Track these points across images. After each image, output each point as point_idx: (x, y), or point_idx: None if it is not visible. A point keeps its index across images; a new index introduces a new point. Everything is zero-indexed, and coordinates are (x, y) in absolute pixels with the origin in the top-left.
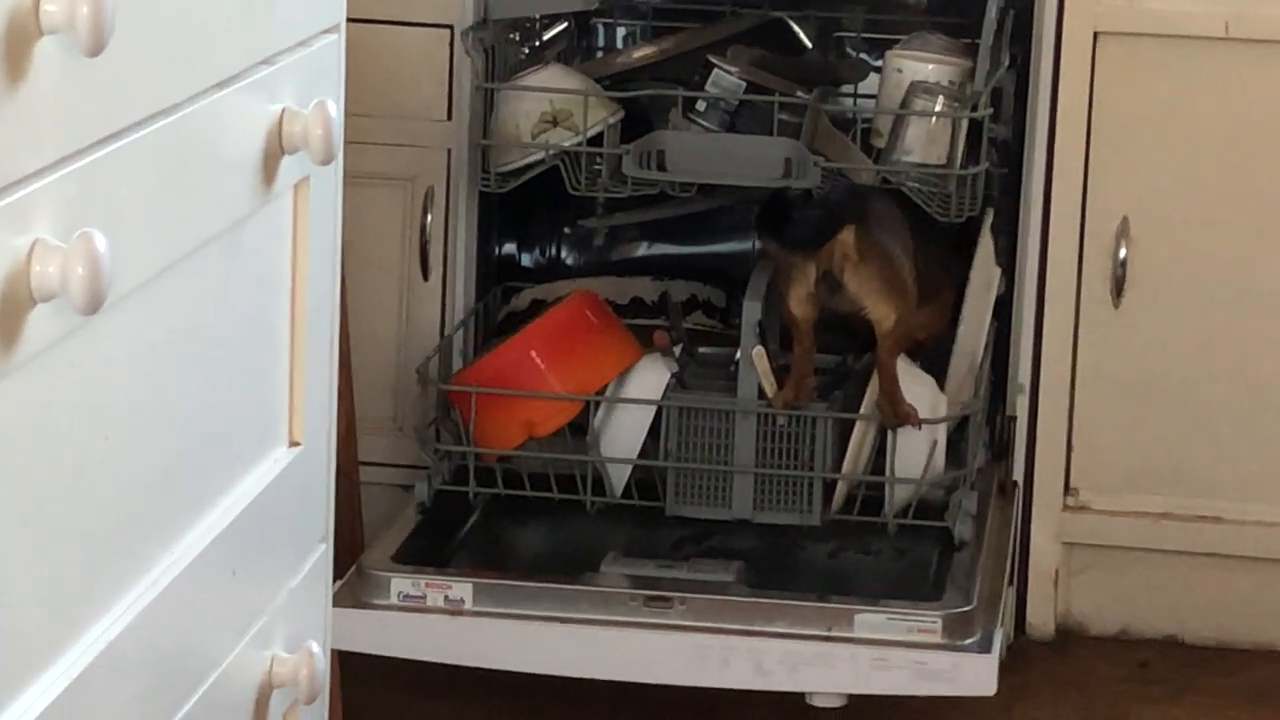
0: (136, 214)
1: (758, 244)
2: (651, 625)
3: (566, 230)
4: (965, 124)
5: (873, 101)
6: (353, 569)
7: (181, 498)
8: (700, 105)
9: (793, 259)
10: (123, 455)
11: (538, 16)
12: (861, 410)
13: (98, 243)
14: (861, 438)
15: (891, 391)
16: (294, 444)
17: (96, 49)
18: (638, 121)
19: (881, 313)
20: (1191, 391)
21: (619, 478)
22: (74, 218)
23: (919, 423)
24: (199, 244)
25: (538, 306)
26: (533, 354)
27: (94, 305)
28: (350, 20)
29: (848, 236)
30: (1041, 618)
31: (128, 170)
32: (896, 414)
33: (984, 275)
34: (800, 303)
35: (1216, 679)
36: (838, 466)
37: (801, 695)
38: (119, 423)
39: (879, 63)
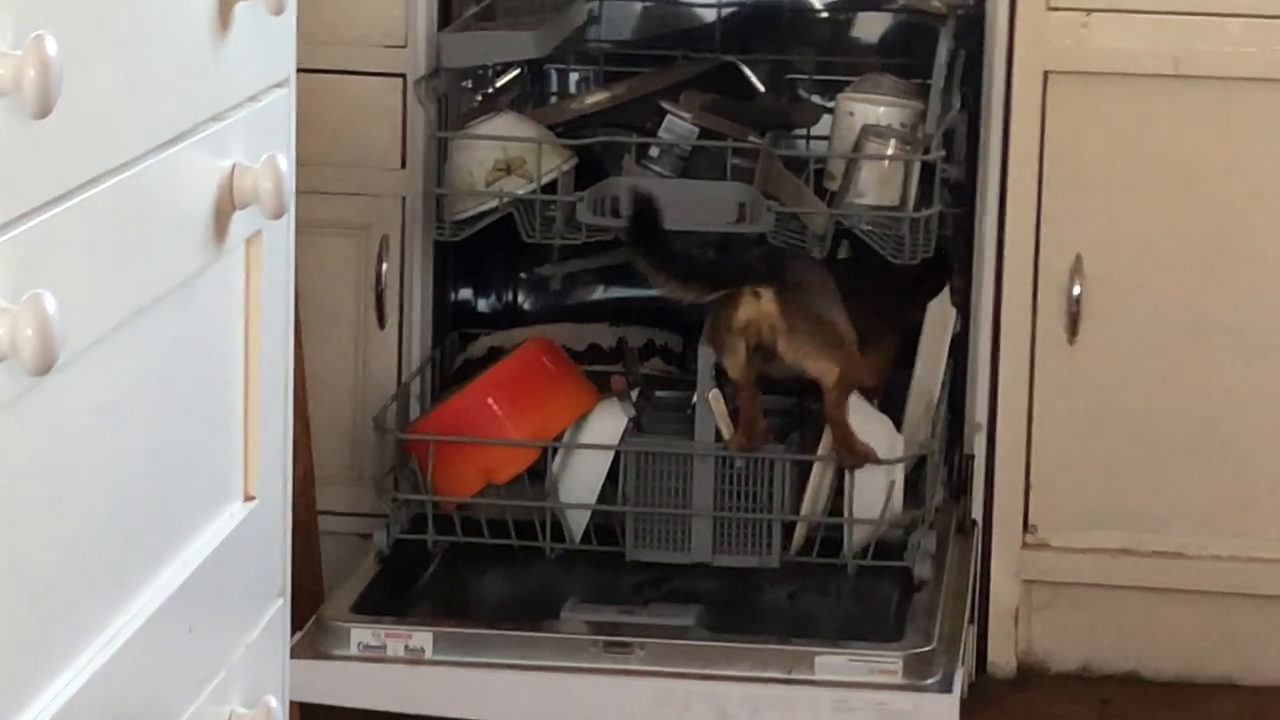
0: (87, 274)
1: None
2: (612, 671)
3: (522, 276)
4: (918, 166)
5: (825, 144)
6: (312, 620)
7: (136, 555)
8: (654, 151)
9: (719, 335)
10: (76, 514)
11: (490, 64)
12: (819, 452)
13: (47, 304)
14: (819, 479)
15: (845, 439)
16: (249, 498)
17: (44, 111)
18: (591, 168)
19: (822, 369)
20: (1148, 427)
21: (578, 523)
22: (23, 279)
23: (878, 461)
24: (150, 301)
25: (495, 354)
26: (490, 401)
27: (45, 366)
28: (303, 70)
29: (770, 305)
30: (1003, 656)
31: (77, 230)
32: (854, 457)
33: (940, 315)
34: (737, 370)
35: (1178, 714)
36: (796, 508)
37: None
38: (72, 482)
39: (831, 105)
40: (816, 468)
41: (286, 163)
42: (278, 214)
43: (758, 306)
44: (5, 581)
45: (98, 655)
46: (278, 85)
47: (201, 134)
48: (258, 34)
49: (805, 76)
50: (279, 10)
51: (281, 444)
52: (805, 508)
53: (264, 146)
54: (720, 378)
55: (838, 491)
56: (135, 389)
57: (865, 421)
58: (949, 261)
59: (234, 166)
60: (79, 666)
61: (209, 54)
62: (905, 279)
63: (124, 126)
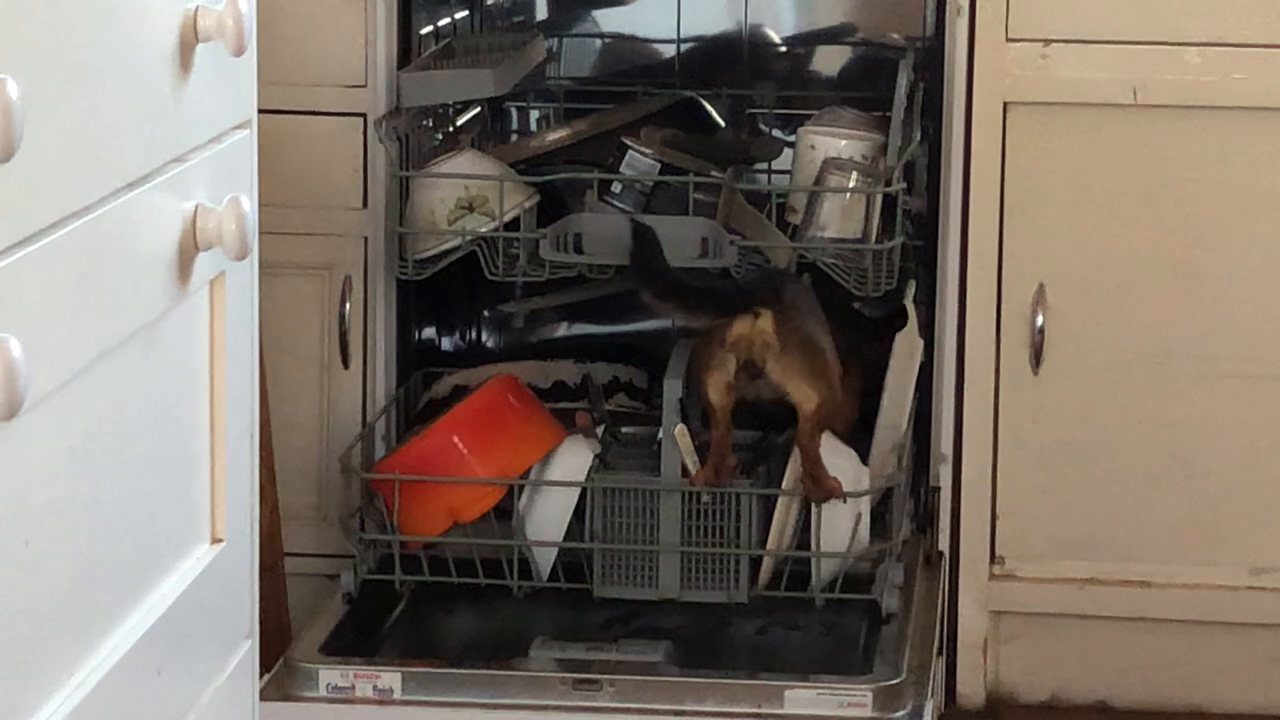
0: (51, 317)
1: (677, 322)
2: (582, 708)
3: (486, 314)
4: (880, 198)
5: (787, 178)
6: (280, 661)
7: (104, 599)
8: (616, 187)
9: (710, 350)
10: (43, 559)
11: (450, 103)
12: (784, 485)
13: (12, 349)
14: (785, 513)
15: (814, 471)
16: (216, 540)
17: (6, 155)
18: (554, 204)
19: (804, 395)
20: (1113, 456)
21: (545, 561)
22: None
23: (844, 496)
24: (115, 344)
25: (459, 392)
26: (455, 440)
27: (10, 411)
28: (263, 111)
29: (766, 324)
30: (972, 687)
31: (41, 274)
32: (821, 489)
33: (907, 346)
34: (719, 391)
35: None
36: (763, 543)
37: None
38: (38, 526)
39: (792, 139)
40: (781, 502)
41: (250, 204)
42: (241, 255)
43: (753, 323)
44: None
45: (67, 700)
46: (239, 126)
47: (164, 176)
48: (219, 75)
49: (765, 110)
50: (239, 51)
51: (249, 485)
52: (771, 542)
53: (227, 188)
54: (686, 412)
55: (804, 525)
56: (101, 432)
57: (832, 455)
58: (904, 295)
59: (197, 208)
60: (49, 711)
61: (170, 96)
62: (864, 314)
63: (86, 169)
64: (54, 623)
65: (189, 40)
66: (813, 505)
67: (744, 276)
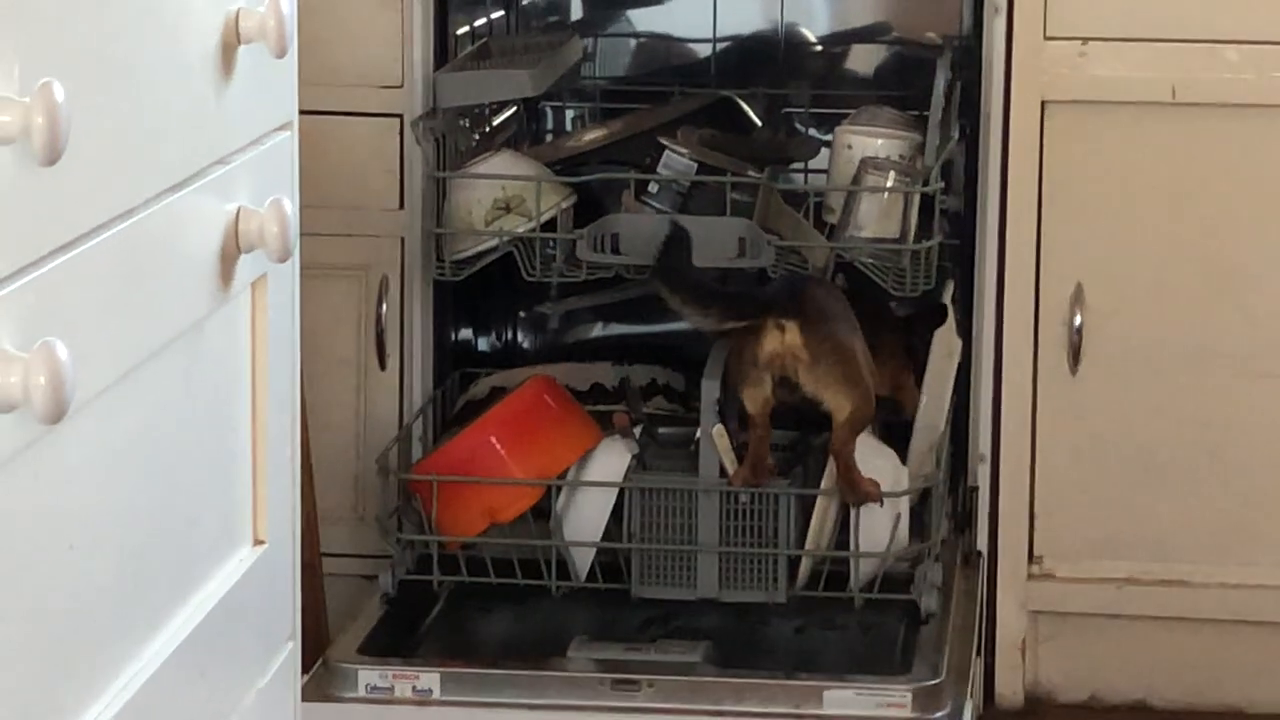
0: (96, 320)
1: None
2: (620, 709)
3: (522, 315)
4: (917, 198)
5: (824, 178)
6: (319, 662)
7: (148, 601)
8: (653, 187)
9: (744, 369)
10: (88, 562)
11: (487, 103)
12: (822, 486)
13: (59, 352)
14: (823, 513)
15: (849, 476)
16: (259, 542)
17: (52, 158)
18: (590, 205)
19: (837, 404)
20: (1152, 455)
21: (583, 561)
22: (34, 327)
23: (880, 499)
24: (159, 347)
25: (496, 394)
26: (493, 440)
27: (57, 414)
28: (300, 112)
29: (795, 338)
30: (1010, 687)
31: (86, 277)
32: (857, 494)
33: (945, 346)
34: (756, 403)
35: None
36: (801, 543)
37: None
38: (83, 530)
39: (829, 138)
40: (820, 502)
41: (291, 205)
42: (283, 257)
43: (782, 340)
44: (19, 630)
45: (112, 702)
46: (280, 129)
47: (206, 178)
48: (260, 77)
49: (802, 110)
50: (281, 53)
51: (290, 487)
52: (810, 542)
53: (268, 190)
54: (724, 412)
55: (842, 525)
56: (145, 435)
57: (870, 455)
58: (942, 294)
59: (239, 210)
60: (94, 714)
61: (213, 98)
62: (899, 312)
63: (130, 172)
64: (99, 625)
65: (231, 42)
66: (851, 506)
67: (768, 284)
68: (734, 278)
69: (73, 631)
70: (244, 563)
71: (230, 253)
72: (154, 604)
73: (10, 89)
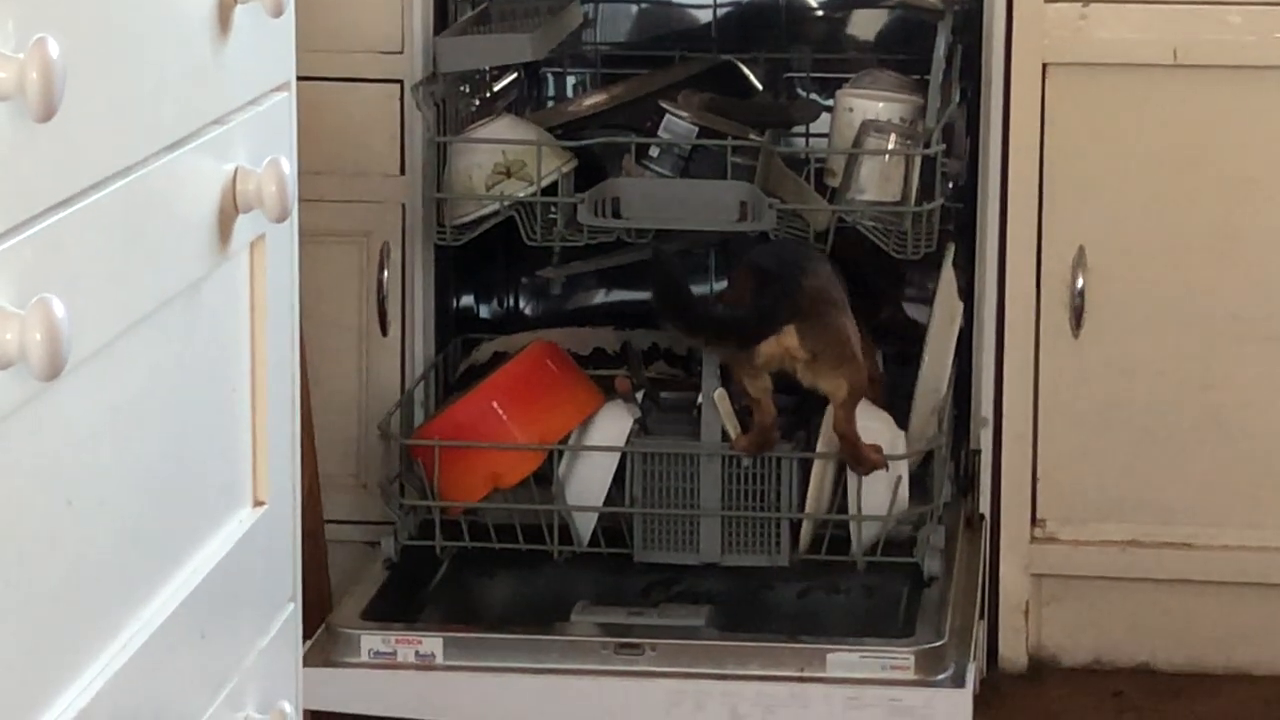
0: (93, 278)
1: (716, 288)
2: (624, 673)
3: (524, 280)
4: (919, 161)
5: (825, 141)
6: (322, 628)
7: (147, 560)
8: (653, 151)
9: (743, 369)
10: (87, 520)
11: (487, 68)
12: (818, 449)
13: (55, 308)
14: (821, 477)
15: (854, 451)
16: (259, 503)
17: (47, 115)
18: (591, 170)
19: (834, 386)
20: (1154, 418)
21: (585, 526)
22: (31, 284)
23: (887, 465)
24: (157, 305)
25: (498, 358)
26: (494, 405)
27: (53, 371)
28: (300, 79)
29: (791, 340)
30: (1014, 650)
31: (83, 234)
32: (865, 466)
33: (947, 309)
34: (757, 389)
35: (1191, 705)
36: (804, 506)
37: None
38: (82, 488)
39: (830, 102)
40: (817, 465)
41: (289, 165)
42: (281, 217)
43: (779, 342)
44: (17, 588)
45: (111, 662)
46: (278, 89)
47: (204, 137)
48: (258, 37)
49: (803, 74)
50: (278, 12)
51: (290, 448)
52: (809, 506)
53: (266, 150)
54: (725, 377)
55: (840, 488)
56: (143, 394)
57: (866, 419)
58: (945, 258)
59: (236, 170)
60: (93, 674)
61: (210, 57)
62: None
63: (127, 129)
64: (98, 585)
65: (228, 1)
66: (849, 469)
67: (763, 296)
68: (734, 242)
69: (70, 590)
70: (244, 523)
71: (228, 212)
72: (153, 563)
73: (5, 45)
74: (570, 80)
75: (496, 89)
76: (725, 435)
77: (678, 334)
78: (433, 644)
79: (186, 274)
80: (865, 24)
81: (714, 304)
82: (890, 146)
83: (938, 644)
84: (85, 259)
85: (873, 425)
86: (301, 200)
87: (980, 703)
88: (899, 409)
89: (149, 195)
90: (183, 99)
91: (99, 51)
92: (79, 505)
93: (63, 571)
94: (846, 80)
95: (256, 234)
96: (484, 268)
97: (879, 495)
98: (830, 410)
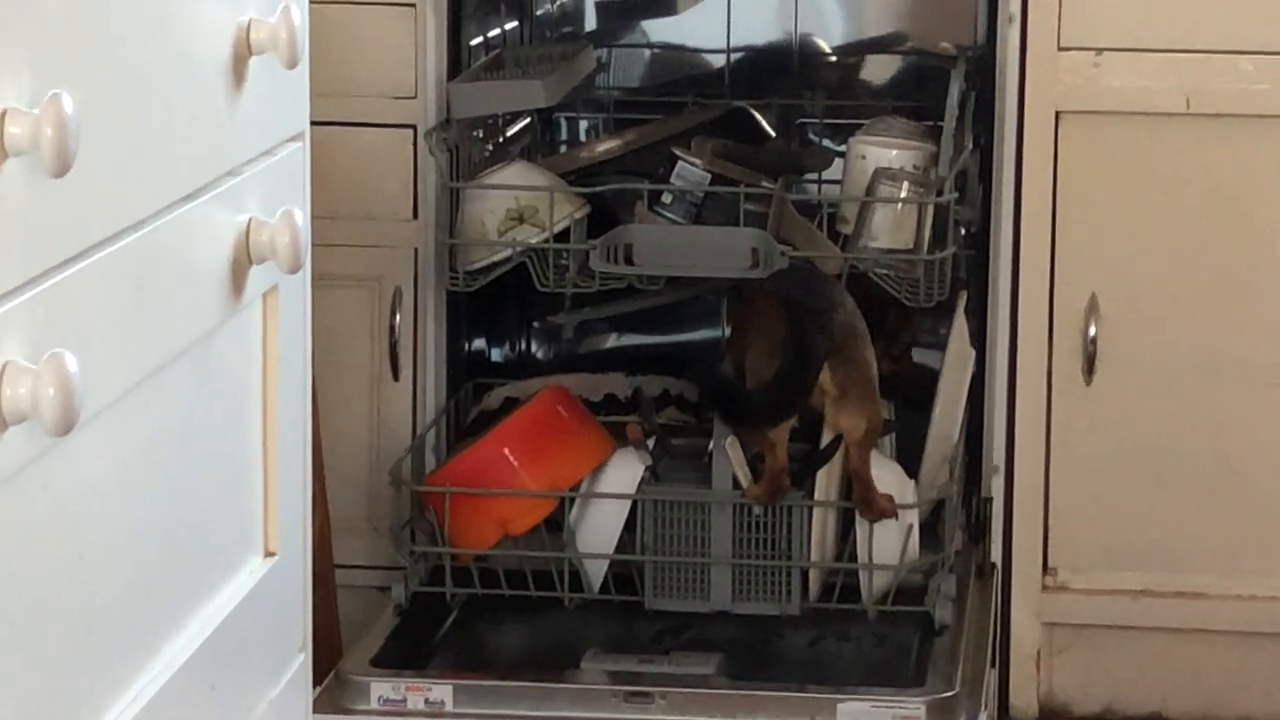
0: (106, 332)
1: (728, 333)
2: None
3: (536, 325)
4: (931, 208)
5: (838, 188)
6: (332, 674)
7: (158, 613)
8: (666, 198)
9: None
10: (98, 573)
11: (500, 114)
12: (816, 496)
13: (68, 363)
14: (822, 524)
15: (867, 494)
16: (270, 554)
17: (62, 170)
18: (604, 216)
19: (853, 424)
20: (1166, 466)
21: (596, 573)
22: (43, 338)
23: (897, 514)
24: (169, 358)
25: (510, 404)
26: (506, 452)
27: (66, 426)
28: (313, 123)
29: (825, 376)
30: (1025, 699)
31: (96, 288)
32: (874, 511)
33: (959, 357)
34: (778, 430)
35: None
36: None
37: None
38: (93, 541)
39: (842, 149)
40: (817, 513)
41: (302, 216)
42: (294, 268)
43: None
44: (29, 641)
45: (122, 714)
46: (292, 139)
47: (217, 189)
48: (272, 88)
49: (816, 120)
50: (292, 64)
51: (301, 498)
52: (814, 554)
53: (279, 200)
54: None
55: (846, 536)
56: (155, 446)
57: (875, 467)
58: (957, 306)
59: (250, 221)
60: None
61: (224, 108)
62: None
63: (141, 183)
64: (108, 637)
65: (242, 53)
66: (857, 517)
67: (803, 337)
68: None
69: (82, 642)
70: (255, 574)
71: (241, 264)
72: (164, 615)
73: (20, 100)
74: (583, 125)
75: (509, 134)
76: (736, 483)
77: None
78: (442, 691)
79: (199, 326)
80: (878, 70)
81: (759, 390)
82: (903, 194)
83: (949, 694)
84: (98, 313)
85: (881, 473)
86: (314, 245)
87: None
88: (910, 456)
89: (162, 248)
90: (197, 151)
91: (113, 105)
92: (90, 558)
93: (74, 624)
94: (859, 127)
95: (269, 284)
96: (496, 313)
97: (890, 543)
98: (827, 462)
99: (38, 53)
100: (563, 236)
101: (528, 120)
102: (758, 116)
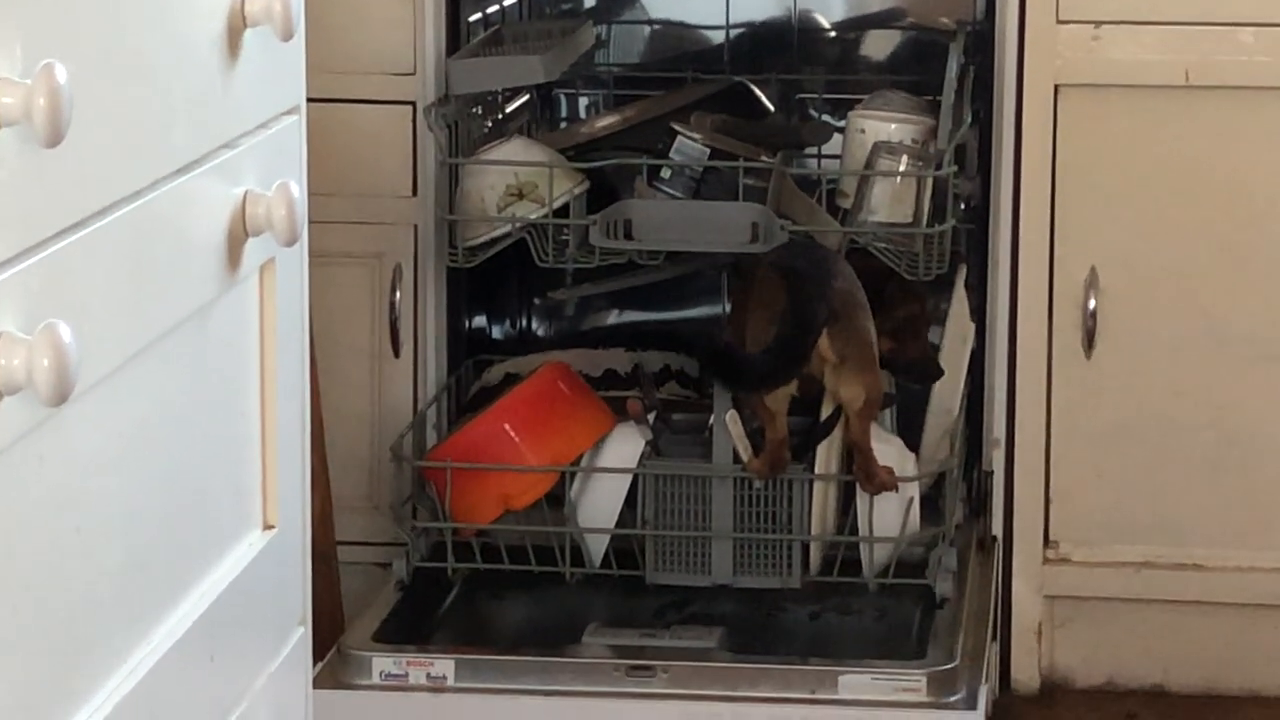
0: (101, 303)
1: (728, 308)
2: (635, 695)
3: (536, 302)
4: (930, 182)
5: (837, 163)
6: (333, 650)
7: (156, 585)
8: (665, 173)
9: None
10: (95, 546)
11: (499, 90)
12: (817, 470)
13: (63, 334)
14: (823, 498)
15: (867, 466)
16: (268, 527)
17: (54, 140)
18: (603, 191)
19: (853, 394)
20: (1166, 439)
21: (597, 548)
22: (38, 309)
23: (897, 486)
24: (166, 330)
25: (510, 380)
26: (506, 427)
27: (61, 397)
28: (312, 100)
29: (824, 344)
30: (1026, 672)
31: (91, 259)
32: (875, 483)
33: (959, 331)
34: (779, 400)
35: None
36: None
37: None
38: (90, 513)
39: (841, 123)
40: (818, 486)
41: (299, 189)
42: (291, 241)
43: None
44: (25, 614)
45: (120, 686)
46: (288, 112)
47: (213, 161)
48: (267, 61)
49: (815, 95)
50: (287, 36)
51: (300, 471)
52: (815, 528)
53: (276, 173)
54: (737, 399)
55: (847, 509)
56: (152, 419)
57: (876, 441)
58: (957, 279)
59: (246, 194)
60: (101, 698)
61: (219, 81)
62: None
63: (136, 154)
64: (106, 609)
65: (237, 25)
66: (858, 490)
67: (802, 304)
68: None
69: (79, 615)
70: (253, 547)
71: (238, 236)
72: (162, 588)
73: (12, 70)
74: (582, 101)
75: (509, 110)
76: (737, 457)
77: (737, 394)
78: (444, 666)
79: (195, 298)
80: (877, 45)
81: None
82: (902, 168)
83: (950, 666)
84: (93, 284)
85: (882, 447)
86: (313, 222)
87: None
88: (911, 430)
89: (158, 220)
90: (192, 123)
91: (107, 76)
92: (87, 531)
93: (71, 597)
94: (858, 101)
95: (266, 257)
96: (496, 289)
97: (891, 517)
98: (828, 435)
99: (30, 23)
100: (562, 212)
101: (527, 96)
102: (757, 92)
